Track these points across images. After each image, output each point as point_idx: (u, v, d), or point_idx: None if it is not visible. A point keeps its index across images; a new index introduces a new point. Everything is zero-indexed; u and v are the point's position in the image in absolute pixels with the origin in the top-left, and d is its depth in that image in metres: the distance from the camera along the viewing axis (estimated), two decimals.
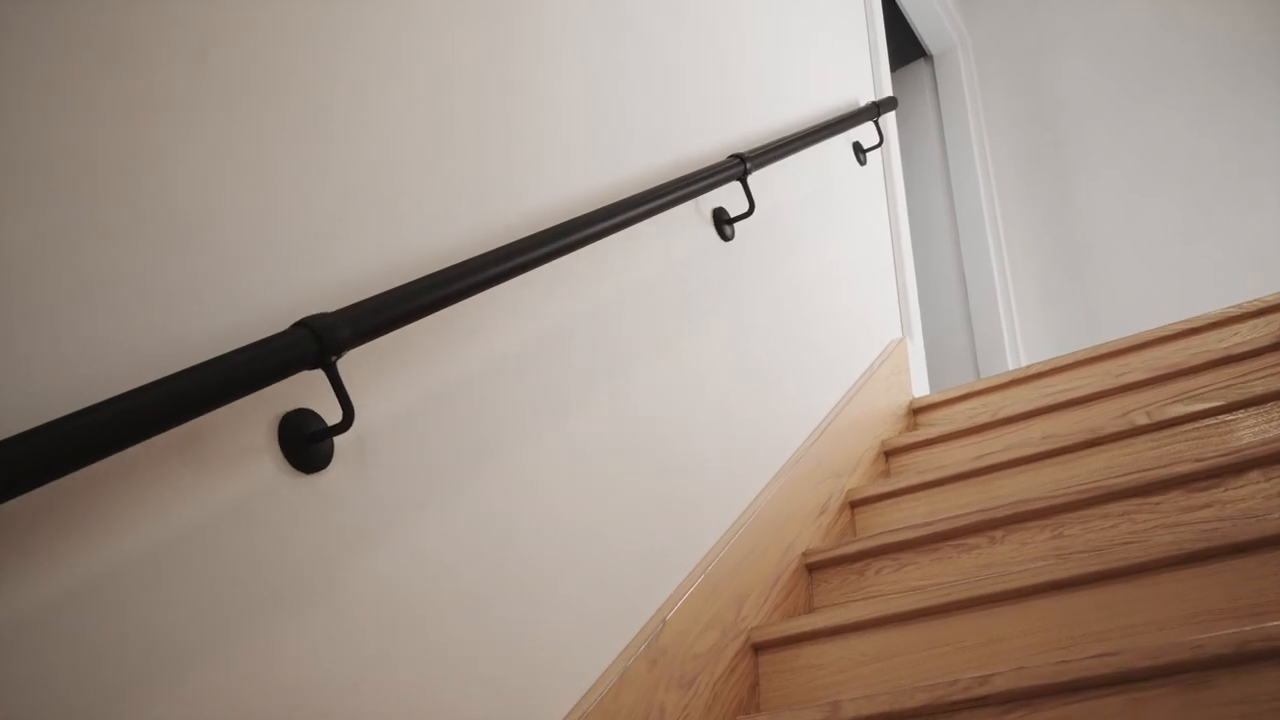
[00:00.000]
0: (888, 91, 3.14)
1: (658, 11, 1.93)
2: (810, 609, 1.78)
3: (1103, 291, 3.64)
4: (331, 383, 0.98)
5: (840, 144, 2.71)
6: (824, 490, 2.01)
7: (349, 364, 1.10)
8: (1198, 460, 1.54)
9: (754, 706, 1.53)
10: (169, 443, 0.89)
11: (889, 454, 2.32)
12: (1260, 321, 2.15)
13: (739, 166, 1.88)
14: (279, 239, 1.05)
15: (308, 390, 1.04)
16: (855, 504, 2.06)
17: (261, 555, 0.94)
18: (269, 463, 0.97)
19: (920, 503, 1.97)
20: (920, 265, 4.00)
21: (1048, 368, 2.35)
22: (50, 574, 0.78)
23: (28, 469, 0.70)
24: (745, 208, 2.04)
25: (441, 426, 1.19)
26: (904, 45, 4.28)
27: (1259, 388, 1.72)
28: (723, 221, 1.95)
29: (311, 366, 0.96)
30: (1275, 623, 1.06)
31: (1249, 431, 1.70)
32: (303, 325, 0.96)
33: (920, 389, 2.80)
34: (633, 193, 1.68)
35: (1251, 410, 1.72)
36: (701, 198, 1.90)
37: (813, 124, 2.45)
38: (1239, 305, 2.19)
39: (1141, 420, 1.80)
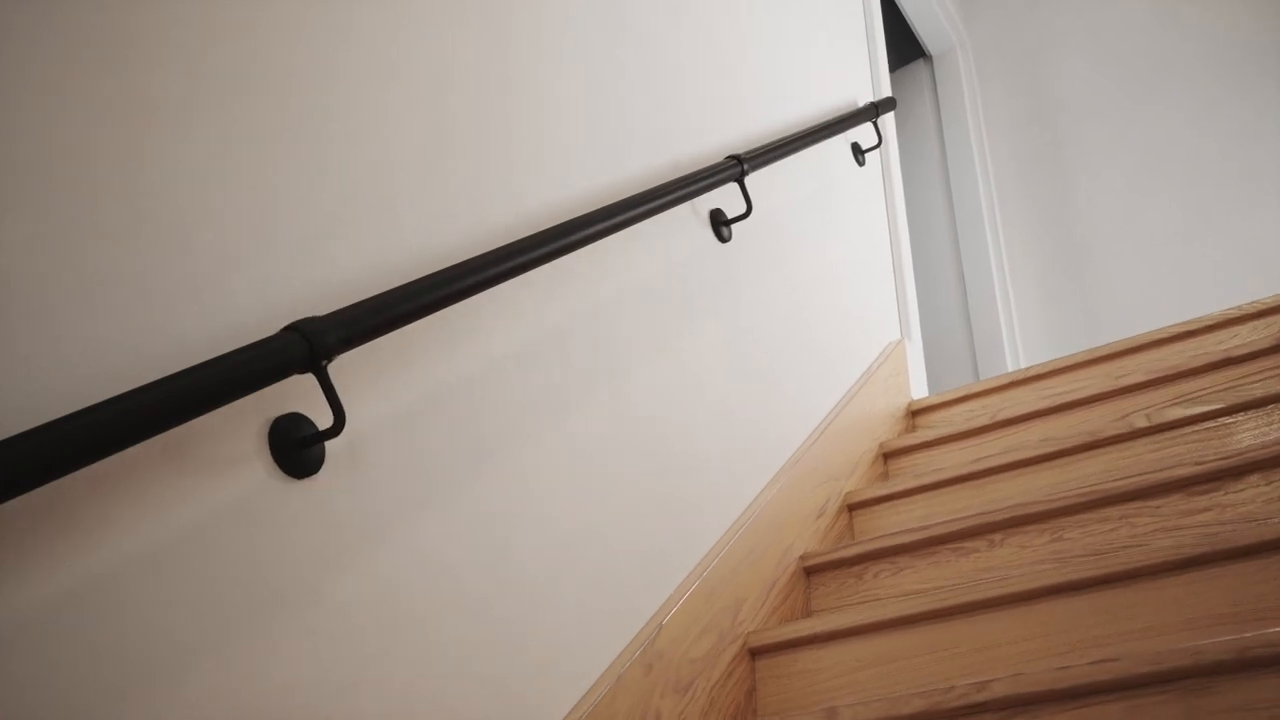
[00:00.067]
0: (887, 92, 3.13)
1: (657, 11, 1.92)
2: (808, 613, 1.77)
3: (1102, 292, 3.63)
4: (322, 387, 0.97)
5: (839, 145, 2.70)
6: (822, 493, 2.00)
7: (344, 366, 1.09)
8: (1197, 463, 1.53)
9: (751, 712, 1.52)
10: (157, 448, 0.88)
11: (887, 456, 2.31)
12: (1260, 323, 2.14)
13: (736, 168, 1.87)
14: (276, 240, 1.04)
15: (300, 394, 1.03)
16: (853, 507, 2.05)
17: (252, 560, 0.93)
18: (259, 468, 0.96)
19: (918, 506, 1.96)
20: (919, 266, 3.99)
21: (1046, 370, 2.34)
22: (33, 580, 0.77)
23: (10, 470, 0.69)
24: (743, 209, 2.03)
25: (439, 428, 1.18)
26: (903, 45, 4.27)
27: (1259, 390, 1.71)
28: (720, 223, 1.94)
29: (302, 371, 0.95)
30: (1276, 629, 1.05)
31: (1249, 434, 1.69)
32: (293, 329, 0.95)
33: (919, 390, 2.79)
34: (631, 194, 1.67)
35: (1251, 413, 1.71)
36: (699, 199, 1.89)
37: (811, 125, 2.44)
38: (1238, 307, 2.18)
39: (1141, 423, 1.79)
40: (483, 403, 1.26)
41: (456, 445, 1.21)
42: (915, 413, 2.57)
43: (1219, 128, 3.55)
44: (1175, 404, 1.97)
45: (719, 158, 2.01)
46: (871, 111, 2.76)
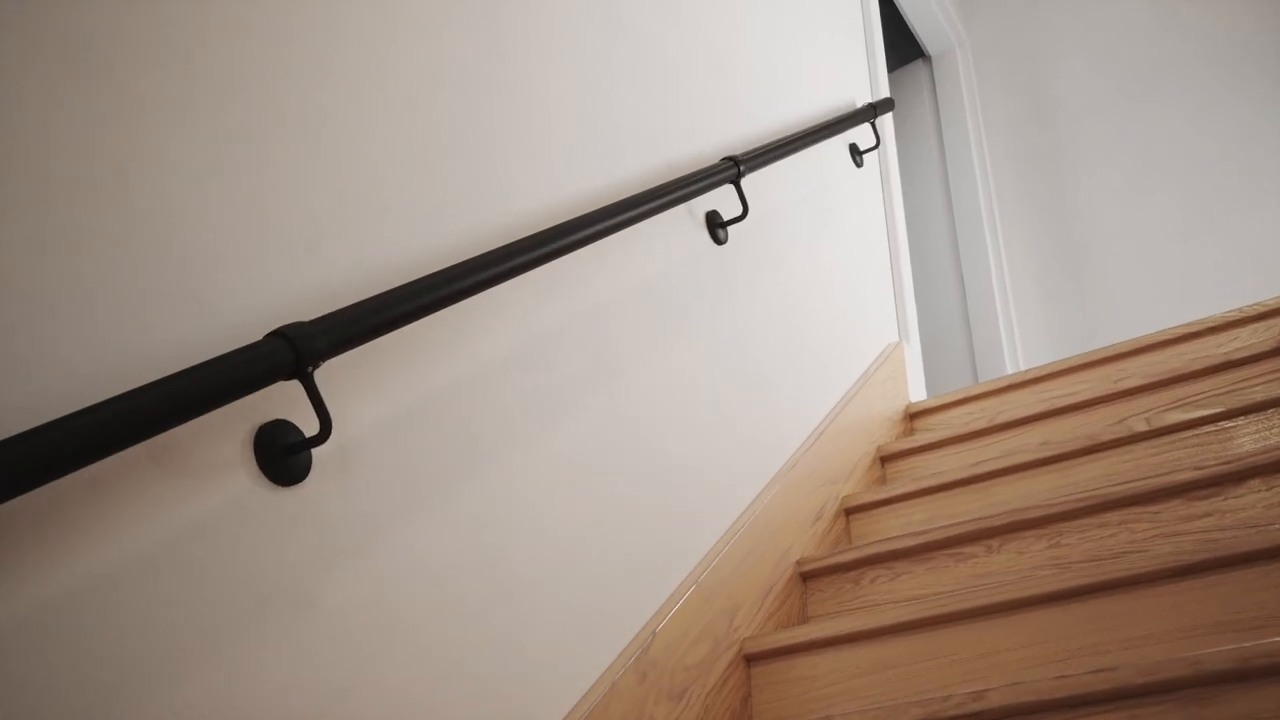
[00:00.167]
0: (885, 93, 3.11)
1: (651, 10, 1.91)
2: (804, 619, 1.76)
3: (1102, 291, 3.62)
4: (309, 394, 0.96)
5: (836, 146, 2.69)
6: (819, 497, 1.98)
7: (334, 369, 1.07)
8: (1197, 468, 1.52)
9: (746, 719, 1.51)
10: (139, 456, 0.87)
11: (885, 460, 2.30)
12: (1260, 326, 2.12)
13: (732, 169, 1.86)
14: (268, 241, 1.03)
15: (286, 400, 1.01)
16: (850, 511, 2.03)
17: (238, 568, 0.92)
18: (244, 476, 0.95)
19: (916, 510, 1.94)
20: (918, 267, 3.98)
21: (1045, 372, 2.32)
22: (15, 592, 0.76)
23: None
24: (739, 211, 2.01)
25: (431, 433, 1.17)
26: (902, 46, 4.25)
27: (1259, 394, 1.70)
28: (716, 225, 1.92)
29: (288, 377, 0.94)
30: (1277, 638, 1.04)
31: (1249, 439, 1.68)
32: (279, 335, 0.93)
33: (917, 393, 2.78)
34: (625, 195, 1.66)
35: (1252, 417, 1.69)
36: (694, 200, 1.88)
37: (808, 126, 2.43)
38: (1239, 309, 2.17)
39: (1140, 427, 1.77)
40: (475, 407, 1.25)
41: (449, 450, 1.19)
42: (913, 415, 2.55)
43: (1218, 127, 3.53)
44: (1175, 408, 1.96)
45: (715, 159, 1.99)
46: (869, 112, 2.74)
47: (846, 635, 1.48)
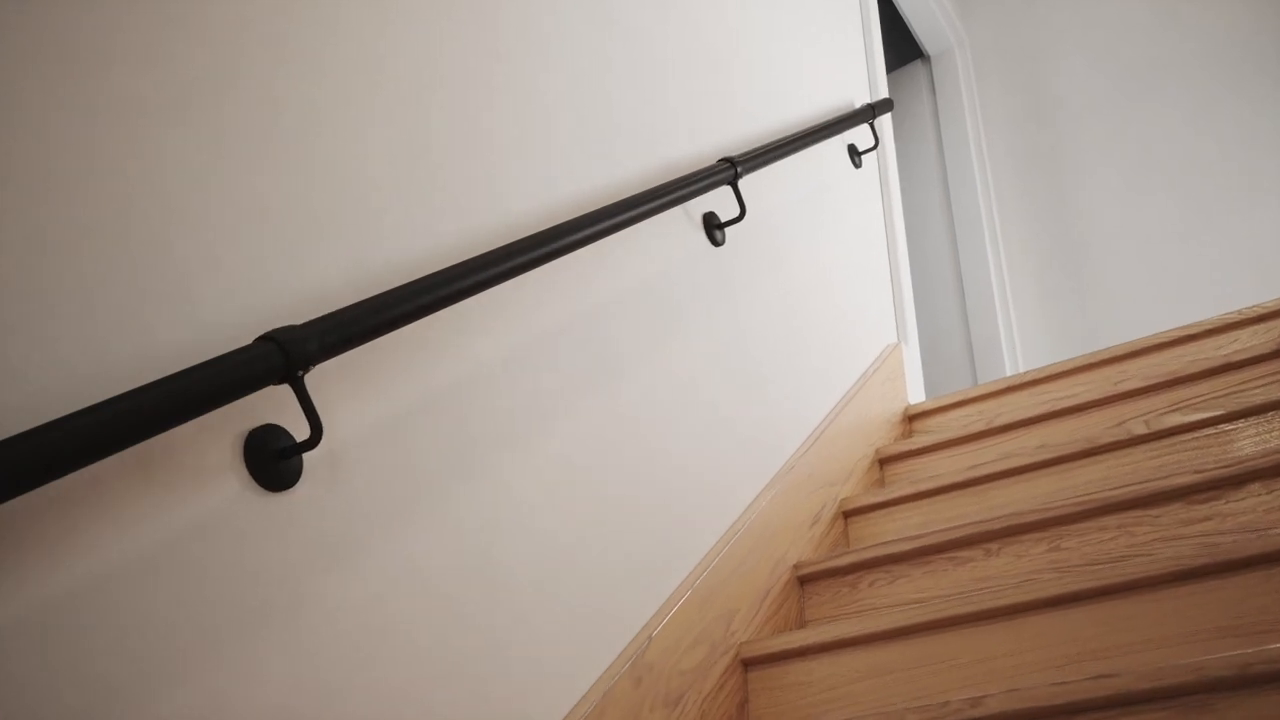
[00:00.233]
0: (883, 93, 3.10)
1: (647, 8, 1.89)
2: (802, 623, 1.75)
3: (1101, 291, 3.61)
4: (299, 398, 0.95)
5: (835, 146, 2.68)
6: (817, 500, 1.97)
7: (327, 372, 1.06)
8: (1197, 471, 1.51)
9: None
10: (126, 462, 0.86)
11: (883, 462, 2.29)
12: (1260, 328, 2.11)
13: (729, 170, 1.85)
14: (262, 243, 1.01)
15: (277, 405, 1.00)
16: (848, 514, 2.02)
17: (229, 572, 0.91)
18: (233, 481, 0.94)
19: (914, 513, 1.93)
20: (916, 268, 3.97)
21: (1044, 374, 2.31)
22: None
23: None
24: (736, 212, 2.00)
25: (424, 436, 1.16)
26: (901, 46, 4.24)
27: (1259, 396, 1.69)
28: (713, 226, 1.91)
29: (278, 381, 0.93)
30: (1278, 645, 1.02)
31: (1249, 442, 1.67)
32: (269, 338, 0.92)
33: (916, 395, 2.77)
34: (621, 196, 1.65)
35: (1252, 420, 1.68)
36: (691, 202, 1.86)
37: (806, 126, 2.42)
38: (1238, 311, 2.16)
39: (1140, 429, 1.76)
40: (469, 410, 1.24)
41: (445, 452, 1.18)
42: (912, 417, 2.54)
43: (1217, 127, 3.52)
44: (1174, 410, 1.95)
45: (713, 159, 1.98)
46: (868, 113, 2.73)
47: (844, 640, 1.47)
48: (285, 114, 1.09)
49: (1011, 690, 1.14)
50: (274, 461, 0.97)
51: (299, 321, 1.04)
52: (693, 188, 1.71)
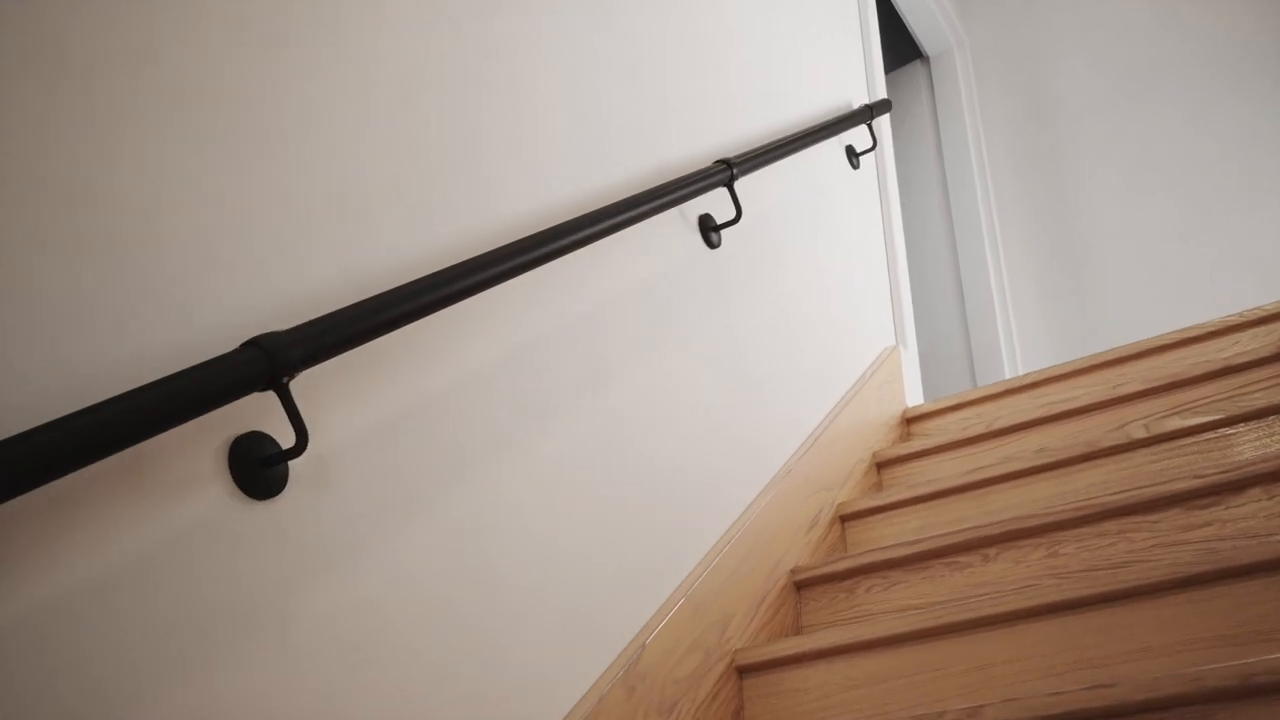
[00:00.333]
0: (882, 94, 3.09)
1: (642, 7, 1.88)
2: (798, 629, 1.73)
3: (1101, 292, 3.59)
4: (284, 405, 0.93)
5: (832, 147, 2.66)
6: (814, 504, 1.96)
7: (314, 378, 1.05)
8: (1197, 476, 1.49)
9: None
10: (108, 471, 0.84)
11: (881, 466, 2.27)
12: (1260, 330, 2.10)
13: (725, 172, 1.83)
14: (253, 245, 1.00)
15: (263, 412, 0.99)
16: (846, 518, 2.01)
17: (215, 581, 0.89)
18: (218, 489, 0.92)
19: (912, 517, 1.92)
20: (915, 269, 3.95)
21: (1043, 377, 2.30)
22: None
23: None
24: (732, 214, 1.99)
25: (414, 442, 1.14)
26: (900, 46, 4.23)
27: (1260, 400, 1.67)
28: (709, 228, 1.90)
29: (263, 388, 0.91)
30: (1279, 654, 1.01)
31: (1249, 446, 1.65)
32: (253, 344, 0.91)
33: (914, 398, 2.75)
34: (616, 198, 1.63)
35: (1252, 424, 1.67)
36: (687, 204, 1.85)
37: (803, 127, 2.40)
38: (1239, 314, 2.14)
39: (1139, 433, 1.75)
40: (461, 415, 1.22)
41: (433, 459, 1.17)
42: (910, 421, 2.53)
43: (1217, 127, 3.51)
44: (1174, 414, 1.93)
45: (708, 160, 1.96)
46: (866, 114, 2.72)
47: (840, 647, 1.45)
48: (282, 114, 1.08)
49: (1009, 700, 1.12)
50: (259, 469, 0.95)
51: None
52: (688, 189, 1.69)
